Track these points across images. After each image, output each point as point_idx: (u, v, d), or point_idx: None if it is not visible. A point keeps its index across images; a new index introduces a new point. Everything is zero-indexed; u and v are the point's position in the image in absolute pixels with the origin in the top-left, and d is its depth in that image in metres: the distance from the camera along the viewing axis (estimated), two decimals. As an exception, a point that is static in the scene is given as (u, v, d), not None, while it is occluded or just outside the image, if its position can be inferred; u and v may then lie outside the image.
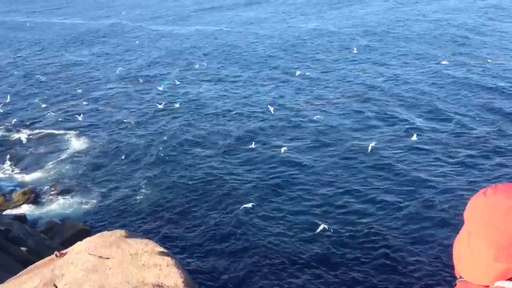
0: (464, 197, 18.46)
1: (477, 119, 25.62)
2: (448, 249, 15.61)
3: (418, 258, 15.60)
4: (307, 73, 35.48)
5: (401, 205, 18.63)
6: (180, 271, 6.77)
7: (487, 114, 26.10)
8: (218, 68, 39.99)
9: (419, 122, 25.94)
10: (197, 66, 40.56)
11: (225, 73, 37.93)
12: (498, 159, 21.37)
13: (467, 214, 2.02)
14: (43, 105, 33.00)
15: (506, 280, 1.87)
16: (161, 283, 6.44)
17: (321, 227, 17.05)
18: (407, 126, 25.31)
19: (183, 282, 6.53)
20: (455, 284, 2.06)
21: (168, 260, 7.02)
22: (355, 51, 40.02)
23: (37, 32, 62.91)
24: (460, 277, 2.05)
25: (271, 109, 28.32)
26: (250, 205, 18.94)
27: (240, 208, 18.97)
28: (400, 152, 22.82)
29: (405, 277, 14.85)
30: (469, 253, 1.97)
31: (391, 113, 27.28)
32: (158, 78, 38.36)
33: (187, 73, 38.99)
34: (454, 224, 16.92)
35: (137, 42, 52.40)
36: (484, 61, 34.67)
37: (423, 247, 16.15)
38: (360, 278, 14.89)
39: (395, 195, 19.32)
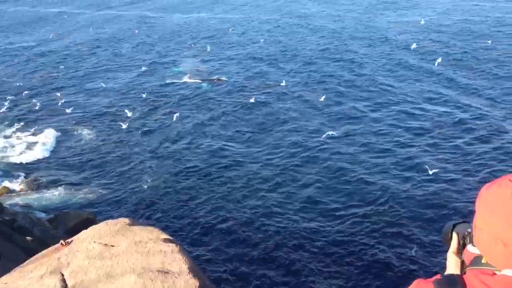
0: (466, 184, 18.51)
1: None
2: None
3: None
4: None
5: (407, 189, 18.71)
6: (185, 257, 6.81)
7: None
8: (228, 54, 39.64)
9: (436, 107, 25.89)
10: (207, 51, 40.28)
11: (237, 60, 37.55)
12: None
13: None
14: (41, 96, 32.93)
15: None
16: (166, 269, 6.49)
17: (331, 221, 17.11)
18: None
19: (188, 268, 6.57)
20: (465, 272, 2.07)
21: (172, 246, 7.06)
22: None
23: (34, 19, 62.47)
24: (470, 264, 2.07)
25: (284, 82, 28.93)
26: (255, 194, 18.99)
27: (245, 198, 19.01)
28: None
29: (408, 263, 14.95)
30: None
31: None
32: (164, 67, 38.05)
33: (196, 62, 38.65)
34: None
35: (136, 31, 52.02)
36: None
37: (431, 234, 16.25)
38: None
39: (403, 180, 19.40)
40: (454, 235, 2.39)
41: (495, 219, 1.87)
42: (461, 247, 2.33)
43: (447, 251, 2.39)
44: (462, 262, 2.22)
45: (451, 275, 2.04)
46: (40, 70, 39.90)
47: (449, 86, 28.58)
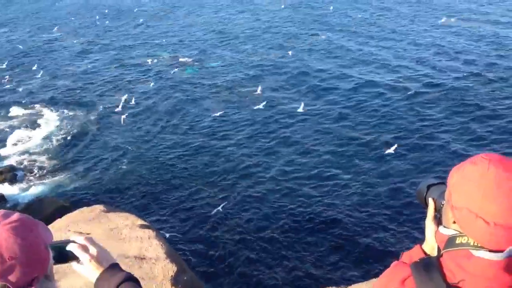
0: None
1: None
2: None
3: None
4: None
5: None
6: (161, 243, 6.85)
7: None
8: (216, 38, 39.05)
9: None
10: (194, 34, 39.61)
11: (224, 43, 36.97)
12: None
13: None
14: (17, 79, 32.05)
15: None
16: (143, 255, 6.52)
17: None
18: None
19: (165, 253, 6.61)
20: (441, 255, 2.00)
21: (149, 232, 7.08)
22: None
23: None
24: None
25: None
26: (232, 182, 18.90)
27: (228, 184, 18.87)
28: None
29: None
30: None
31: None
32: (149, 50, 37.24)
33: (183, 46, 37.95)
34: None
35: (106, 10, 50.94)
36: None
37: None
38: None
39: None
40: (430, 201, 2.30)
41: (475, 195, 1.84)
42: (439, 214, 2.23)
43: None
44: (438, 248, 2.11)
45: (428, 259, 1.99)
46: (21, 55, 38.67)
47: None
